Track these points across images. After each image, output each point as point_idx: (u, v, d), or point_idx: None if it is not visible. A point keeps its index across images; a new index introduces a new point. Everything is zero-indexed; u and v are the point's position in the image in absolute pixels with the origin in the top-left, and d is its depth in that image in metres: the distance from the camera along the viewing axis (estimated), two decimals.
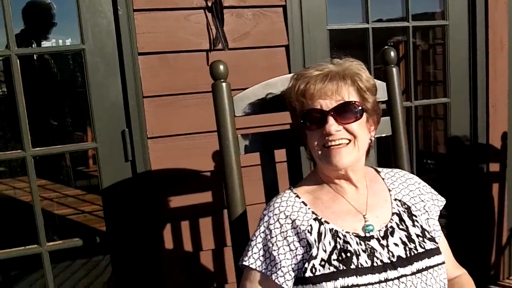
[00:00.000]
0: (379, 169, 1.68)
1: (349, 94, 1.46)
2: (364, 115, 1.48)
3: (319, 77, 1.46)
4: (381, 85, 1.89)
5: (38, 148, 2.36)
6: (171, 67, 2.43)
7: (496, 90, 3.24)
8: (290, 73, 2.37)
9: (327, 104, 1.44)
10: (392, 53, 1.94)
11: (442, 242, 1.61)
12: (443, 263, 1.47)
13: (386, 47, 1.96)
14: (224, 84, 1.68)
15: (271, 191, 1.75)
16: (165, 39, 2.41)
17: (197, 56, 2.46)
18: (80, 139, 6.99)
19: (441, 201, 1.64)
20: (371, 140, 1.56)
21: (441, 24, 3.31)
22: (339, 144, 1.44)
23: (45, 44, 4.16)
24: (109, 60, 2.37)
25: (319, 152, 1.47)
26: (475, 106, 3.24)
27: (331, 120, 1.42)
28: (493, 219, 3.41)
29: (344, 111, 1.44)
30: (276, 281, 1.40)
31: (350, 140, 1.45)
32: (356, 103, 1.46)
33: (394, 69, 1.93)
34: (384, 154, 2.07)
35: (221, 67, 1.68)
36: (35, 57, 4.25)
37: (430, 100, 5.36)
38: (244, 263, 1.46)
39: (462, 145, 3.29)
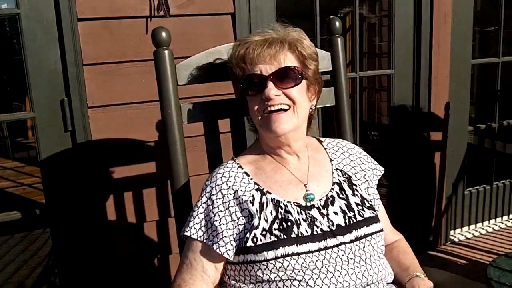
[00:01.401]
0: (322, 139, 1.70)
1: (289, 60, 1.46)
2: (305, 82, 1.49)
3: (259, 42, 1.46)
4: (326, 55, 1.90)
5: None
6: (112, 34, 2.35)
7: (438, 62, 3.30)
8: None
9: (267, 69, 1.44)
10: (337, 23, 1.92)
11: (381, 210, 1.65)
12: (381, 230, 1.51)
13: (331, 17, 1.94)
14: (166, 51, 1.63)
15: (215, 162, 1.73)
16: (105, 4, 2.32)
17: (139, 22, 2.39)
18: (18, 109, 6.79)
19: (380, 171, 1.67)
20: (312, 109, 1.57)
21: None
22: (278, 110, 1.44)
23: None
24: (46, 26, 2.27)
25: (259, 117, 1.47)
26: (418, 77, 3.30)
27: (270, 84, 1.42)
28: (434, 187, 3.51)
29: (284, 76, 1.44)
30: (218, 251, 1.40)
31: (289, 106, 1.45)
32: (296, 68, 1.46)
33: (338, 39, 1.91)
34: (329, 126, 2.08)
35: (163, 34, 1.63)
36: None
37: (375, 71, 5.43)
38: (186, 233, 1.45)
39: (405, 115, 3.35)
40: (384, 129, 5.49)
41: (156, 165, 2.55)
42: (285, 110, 1.45)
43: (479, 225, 3.90)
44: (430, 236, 3.58)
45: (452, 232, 3.76)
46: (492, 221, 3.97)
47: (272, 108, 1.44)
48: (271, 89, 1.42)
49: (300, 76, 1.46)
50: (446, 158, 3.51)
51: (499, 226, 3.92)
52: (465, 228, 3.84)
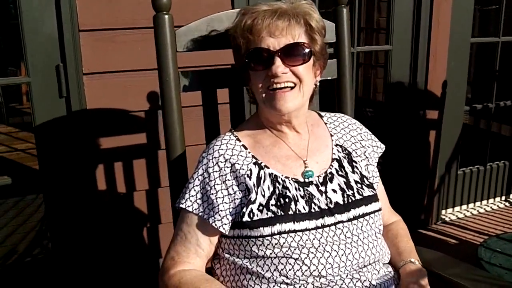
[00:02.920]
0: (322, 113, 1.66)
1: (298, 35, 1.40)
2: (312, 58, 1.44)
3: (267, 12, 1.39)
4: (330, 26, 1.83)
5: None
6: (110, 0, 2.32)
7: (437, 40, 3.28)
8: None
9: (275, 44, 1.38)
10: None
11: (380, 189, 1.62)
12: (380, 210, 1.49)
13: None
14: (166, 16, 1.57)
15: (212, 133, 1.71)
16: None
17: None
18: (14, 74, 6.74)
19: (380, 148, 1.63)
20: (315, 85, 1.53)
21: None
22: (284, 88, 1.39)
23: None
24: None
25: (263, 94, 1.42)
26: (416, 54, 3.29)
27: (278, 61, 1.37)
28: (427, 166, 3.51)
29: (292, 53, 1.39)
30: (213, 224, 1.38)
31: (295, 84, 1.41)
32: (305, 44, 1.41)
33: (344, 10, 1.85)
34: (327, 98, 2.05)
35: None
36: None
37: (373, 46, 5.41)
38: (181, 205, 1.43)
39: (401, 92, 3.34)
40: (380, 106, 5.48)
41: (147, 136, 2.53)
42: (291, 87, 1.41)
43: (471, 205, 3.93)
44: (422, 215, 3.60)
45: (443, 212, 3.78)
46: (484, 202, 4.00)
47: (278, 86, 1.39)
48: (279, 66, 1.37)
49: (309, 53, 1.41)
50: (441, 137, 3.51)
51: (491, 207, 3.95)
52: (457, 208, 3.87)
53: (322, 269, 1.34)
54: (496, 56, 3.77)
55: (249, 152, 1.46)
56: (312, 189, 1.42)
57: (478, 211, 3.87)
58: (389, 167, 3.44)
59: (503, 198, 4.07)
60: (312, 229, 1.35)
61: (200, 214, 1.41)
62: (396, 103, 3.36)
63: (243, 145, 1.48)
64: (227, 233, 1.39)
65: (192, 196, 1.42)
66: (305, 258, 1.34)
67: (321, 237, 1.36)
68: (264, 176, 1.41)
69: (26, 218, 3.85)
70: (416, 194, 3.56)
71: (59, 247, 2.51)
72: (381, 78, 5.55)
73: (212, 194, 1.40)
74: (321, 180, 1.45)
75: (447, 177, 3.69)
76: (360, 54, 5.35)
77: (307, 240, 1.34)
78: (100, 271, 2.56)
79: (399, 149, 3.43)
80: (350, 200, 1.42)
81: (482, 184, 3.95)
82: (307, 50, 1.41)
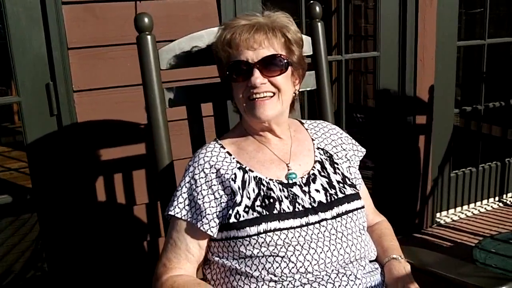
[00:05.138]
0: (303, 120, 1.73)
1: (275, 47, 1.47)
2: (290, 68, 1.50)
3: (245, 27, 1.46)
4: (306, 39, 1.91)
5: None
6: (97, 17, 2.34)
7: (424, 45, 3.31)
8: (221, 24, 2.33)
9: (253, 56, 1.45)
10: (317, 8, 1.95)
11: (363, 190, 1.68)
12: (363, 207, 1.55)
13: (311, 1, 1.97)
14: (149, 37, 1.65)
15: (198, 145, 1.74)
16: None
17: (124, 5, 2.37)
18: (4, 94, 6.72)
19: (361, 152, 1.70)
20: (295, 93, 1.59)
21: None
22: (263, 97, 1.46)
23: None
24: (31, 10, 2.24)
25: (244, 104, 1.49)
26: (404, 59, 3.31)
27: (256, 72, 1.43)
28: (419, 170, 3.53)
29: (270, 64, 1.45)
30: (201, 228, 1.43)
31: (274, 93, 1.47)
32: (282, 56, 1.47)
33: (319, 24, 1.95)
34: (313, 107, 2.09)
35: (146, 19, 1.64)
36: None
37: (360, 53, 5.44)
38: (170, 213, 1.48)
39: (391, 97, 3.37)
40: (370, 111, 5.50)
41: (143, 149, 2.54)
42: (270, 96, 1.47)
43: (465, 207, 3.94)
44: (416, 219, 3.61)
45: (438, 215, 3.79)
46: (478, 203, 4.01)
47: (258, 96, 1.46)
48: (257, 78, 1.43)
49: (286, 64, 1.48)
50: (432, 141, 3.52)
51: (485, 208, 3.96)
52: (451, 211, 3.88)
53: (308, 266, 1.39)
54: (483, 58, 3.80)
55: (233, 158, 1.52)
56: (296, 189, 1.48)
57: (472, 212, 3.89)
58: (382, 173, 3.46)
59: (497, 198, 4.08)
60: (297, 227, 1.41)
61: (188, 219, 1.45)
62: (387, 109, 3.38)
63: (227, 152, 1.54)
64: (215, 235, 1.44)
65: (180, 203, 1.47)
66: (291, 255, 1.38)
67: (306, 235, 1.41)
68: (249, 179, 1.46)
69: (21, 238, 3.84)
70: (409, 198, 3.57)
71: (55, 265, 2.50)
72: (371, 84, 5.59)
73: (199, 199, 1.45)
74: (304, 181, 1.50)
75: (440, 180, 3.71)
76: (349, 61, 5.39)
77: (292, 237, 1.39)
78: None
79: (391, 154, 3.44)
80: (333, 199, 1.48)
81: (475, 185, 3.96)
82: (284, 61, 1.47)
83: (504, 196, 4.11)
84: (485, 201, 4.04)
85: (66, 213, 2.46)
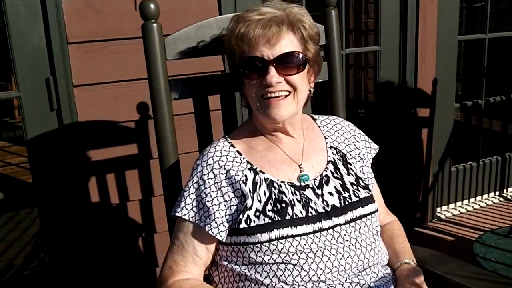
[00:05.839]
0: (315, 116, 1.65)
1: (291, 43, 1.39)
2: (306, 66, 1.42)
3: (260, 22, 1.37)
4: (319, 28, 1.83)
5: None
6: (97, 12, 2.33)
7: (425, 39, 3.30)
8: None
9: (269, 53, 1.36)
10: None
11: (375, 189, 1.62)
12: (376, 211, 1.49)
13: None
14: (155, 25, 1.57)
15: (205, 139, 1.70)
16: None
17: None
18: (4, 89, 6.71)
19: (374, 149, 1.63)
20: (310, 91, 1.51)
21: None
22: (278, 96, 1.38)
23: None
24: (30, 4, 2.24)
25: (257, 103, 1.41)
26: (405, 54, 3.30)
27: (272, 71, 1.36)
28: (420, 164, 3.53)
29: (287, 62, 1.37)
30: (210, 232, 1.37)
31: (289, 92, 1.40)
32: (299, 53, 1.39)
33: (333, 12, 1.83)
34: (318, 100, 2.05)
35: (152, 6, 1.55)
36: None
37: (361, 48, 5.42)
38: (176, 214, 1.42)
39: (391, 92, 3.36)
40: (371, 106, 5.49)
41: (138, 145, 2.53)
42: (285, 96, 1.40)
43: (465, 202, 3.94)
44: (417, 213, 3.61)
45: (438, 209, 3.79)
46: (479, 198, 4.01)
47: (272, 95, 1.38)
48: (273, 76, 1.35)
49: (303, 62, 1.40)
50: (433, 135, 3.52)
51: (485, 203, 3.96)
52: (452, 205, 3.88)
53: (321, 274, 1.34)
54: (483, 53, 3.79)
55: (243, 158, 1.45)
56: (308, 192, 1.41)
57: (473, 207, 3.89)
58: (383, 167, 3.45)
59: (497, 193, 4.09)
60: (310, 233, 1.34)
61: (196, 222, 1.39)
62: (387, 103, 3.38)
63: (237, 151, 1.47)
64: (224, 240, 1.38)
65: (188, 204, 1.41)
66: (304, 263, 1.33)
67: (319, 241, 1.35)
68: (260, 181, 1.40)
69: (21, 232, 3.83)
70: (410, 192, 3.57)
71: (55, 260, 2.51)
72: (371, 79, 5.57)
73: (208, 201, 1.39)
74: (317, 183, 1.44)
75: (440, 175, 3.71)
76: (350, 55, 5.37)
77: (305, 244, 1.33)
78: (97, 282, 2.56)
79: (392, 149, 3.44)
80: (346, 202, 1.42)
81: (475, 180, 3.96)
82: (301, 59, 1.40)
83: (505, 190, 4.11)
84: (485, 196, 4.04)
85: (65, 208, 2.46)
